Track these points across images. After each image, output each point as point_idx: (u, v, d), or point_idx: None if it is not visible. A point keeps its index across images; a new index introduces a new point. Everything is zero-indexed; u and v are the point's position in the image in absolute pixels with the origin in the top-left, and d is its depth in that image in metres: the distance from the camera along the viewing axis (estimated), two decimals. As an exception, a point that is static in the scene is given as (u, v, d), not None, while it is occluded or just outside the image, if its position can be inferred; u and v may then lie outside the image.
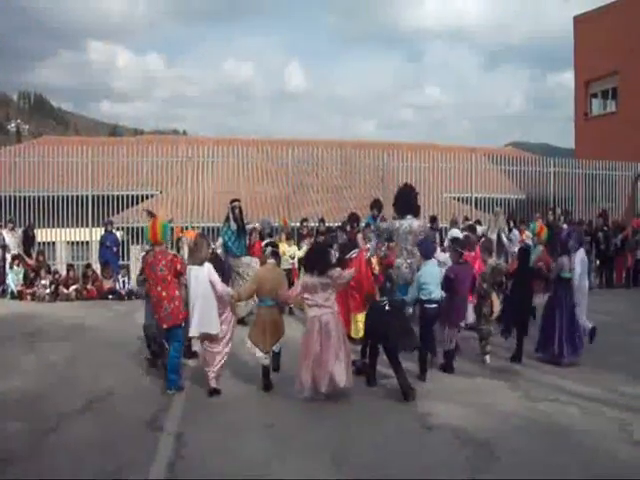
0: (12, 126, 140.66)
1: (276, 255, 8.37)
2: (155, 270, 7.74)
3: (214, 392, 7.75)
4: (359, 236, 11.84)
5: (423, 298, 8.50)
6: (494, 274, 9.20)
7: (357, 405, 7.43)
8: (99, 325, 12.17)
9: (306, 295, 7.65)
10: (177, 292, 7.80)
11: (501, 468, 5.65)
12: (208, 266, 7.81)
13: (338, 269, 7.96)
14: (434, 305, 8.48)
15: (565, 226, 15.03)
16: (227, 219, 12.76)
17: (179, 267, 7.82)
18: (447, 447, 6.17)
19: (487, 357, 9.24)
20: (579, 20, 29.63)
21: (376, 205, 13.43)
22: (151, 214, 12.89)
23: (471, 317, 9.75)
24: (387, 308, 7.79)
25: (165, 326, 7.83)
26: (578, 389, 8.01)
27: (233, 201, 13.04)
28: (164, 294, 7.71)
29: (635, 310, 13.31)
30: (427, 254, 8.85)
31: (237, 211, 12.82)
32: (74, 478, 5.45)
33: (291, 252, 14.57)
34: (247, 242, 13.11)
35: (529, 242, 11.68)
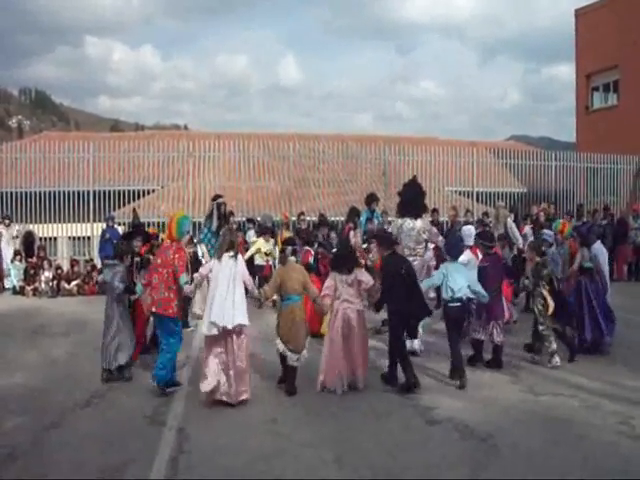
0: (13, 122, 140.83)
1: (295, 252, 8.38)
2: (166, 253, 7.78)
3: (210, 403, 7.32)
4: (351, 233, 11.81)
5: (446, 297, 8.29)
6: (538, 270, 9.04)
7: (360, 400, 7.43)
8: (100, 320, 12.09)
9: (331, 291, 7.84)
10: (175, 286, 7.66)
11: (503, 462, 5.66)
12: (242, 260, 7.75)
13: (368, 277, 8.06)
14: (458, 304, 8.19)
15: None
16: (209, 217, 12.26)
17: (180, 263, 7.66)
18: (450, 441, 6.18)
19: (556, 358, 8.77)
20: (580, 13, 29.53)
21: (372, 199, 13.41)
22: (135, 213, 12.71)
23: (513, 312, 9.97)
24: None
25: (153, 309, 7.74)
26: (580, 382, 8.02)
27: (217, 197, 12.59)
28: (166, 277, 7.65)
29: (635, 303, 13.28)
30: (454, 254, 8.67)
31: (223, 208, 12.45)
32: (77, 472, 5.46)
33: (267, 248, 14.14)
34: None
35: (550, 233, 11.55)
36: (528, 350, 9.38)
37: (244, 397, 7.29)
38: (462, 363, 8.16)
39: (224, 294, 7.27)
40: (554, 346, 8.78)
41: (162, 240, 10.49)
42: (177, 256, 7.67)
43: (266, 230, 14.47)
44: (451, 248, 8.82)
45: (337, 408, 7.17)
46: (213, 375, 7.23)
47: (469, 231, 10.75)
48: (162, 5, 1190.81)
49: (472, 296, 8.35)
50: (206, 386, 7.24)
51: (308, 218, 17.45)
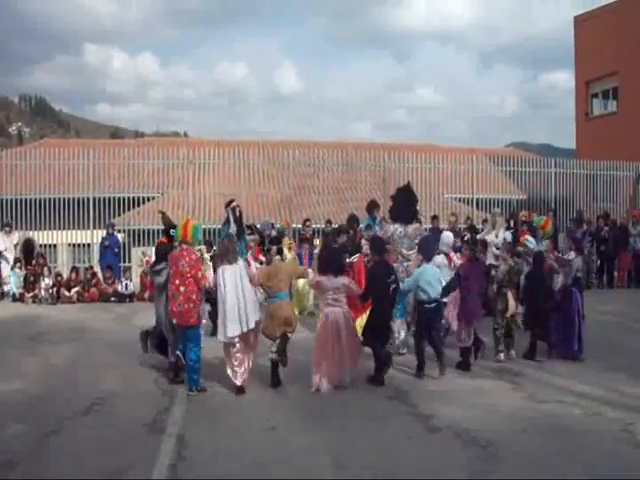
0: (13, 129, 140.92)
1: (280, 252, 8.53)
2: (177, 264, 7.83)
3: (240, 391, 7.79)
4: (363, 240, 11.81)
5: (423, 298, 8.55)
6: (510, 274, 9.24)
7: (360, 407, 7.42)
8: (100, 327, 12.17)
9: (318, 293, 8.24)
10: (195, 296, 7.77)
11: (504, 470, 5.64)
12: (242, 263, 8.02)
13: (349, 280, 8.37)
14: (433, 304, 8.56)
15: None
16: (226, 222, 12.47)
17: (200, 275, 7.84)
18: (450, 449, 6.16)
19: (501, 355, 9.28)
20: (580, 20, 29.61)
21: (373, 206, 13.38)
22: (163, 214, 12.75)
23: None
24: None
25: (175, 321, 7.94)
26: (581, 390, 8.00)
27: (231, 202, 12.74)
28: (182, 289, 7.75)
29: (635, 310, 13.28)
30: (428, 256, 8.88)
31: (238, 211, 12.61)
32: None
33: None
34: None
35: (532, 240, 11.51)
36: (525, 357, 9.44)
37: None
38: (424, 360, 8.58)
39: (235, 300, 7.61)
40: (501, 346, 9.25)
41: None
42: (194, 272, 7.79)
43: (274, 241, 14.43)
44: (424, 250, 8.98)
45: (336, 414, 7.16)
46: (239, 371, 7.75)
47: (447, 238, 10.76)
48: (163, 15, 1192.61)
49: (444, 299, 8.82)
50: (240, 381, 7.78)
51: (314, 225, 17.40)
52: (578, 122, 29.92)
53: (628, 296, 15.92)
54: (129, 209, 20.38)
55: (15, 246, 17.00)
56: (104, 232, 17.38)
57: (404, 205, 10.37)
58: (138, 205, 21.01)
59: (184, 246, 7.99)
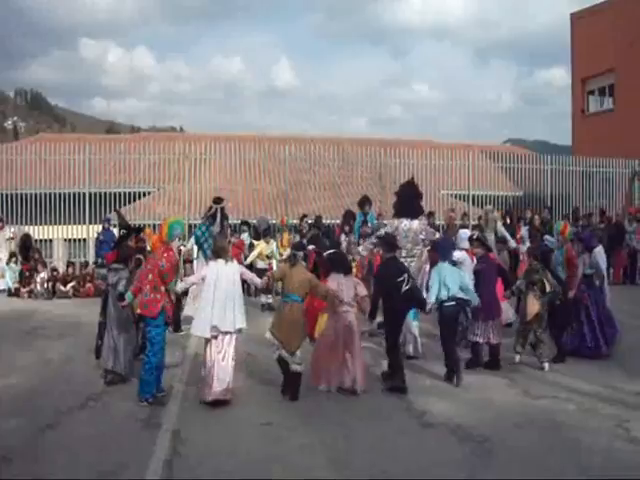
0: (9, 124, 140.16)
1: (306, 258, 8.46)
2: (154, 256, 7.70)
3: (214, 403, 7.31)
4: (342, 236, 11.81)
5: (443, 296, 8.31)
6: (529, 276, 9.14)
7: (355, 404, 7.43)
8: (95, 322, 12.09)
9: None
10: (163, 288, 7.51)
11: (498, 465, 5.65)
12: (236, 263, 7.89)
13: (358, 280, 8.41)
14: (452, 303, 8.30)
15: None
16: (211, 217, 12.34)
17: (168, 265, 7.53)
18: (445, 445, 6.17)
19: (517, 357, 9.10)
20: (576, 17, 29.60)
21: (365, 202, 13.40)
22: (119, 214, 12.56)
23: (510, 314, 10.30)
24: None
25: (138, 311, 7.79)
26: (576, 386, 8.02)
27: (220, 201, 12.61)
28: (149, 277, 7.54)
29: (631, 307, 13.29)
30: (444, 256, 8.78)
31: (225, 212, 12.57)
32: (72, 475, 5.43)
33: (268, 251, 14.32)
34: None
35: (551, 239, 11.49)
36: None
37: (229, 397, 7.33)
38: (458, 362, 8.27)
39: (224, 298, 7.34)
40: (519, 348, 9.10)
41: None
42: (165, 256, 7.56)
43: (267, 233, 14.60)
44: (443, 252, 8.88)
45: (332, 411, 7.16)
46: (217, 381, 7.24)
47: (465, 234, 10.77)
48: (158, 9, 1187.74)
49: (465, 297, 8.44)
50: (212, 394, 7.25)
51: (310, 221, 17.39)
52: (574, 119, 29.96)
53: (624, 293, 15.91)
54: (125, 204, 20.32)
55: (7, 240, 16.92)
56: (100, 227, 17.34)
57: (408, 200, 10.33)
58: (134, 200, 20.96)
59: (164, 246, 7.83)
